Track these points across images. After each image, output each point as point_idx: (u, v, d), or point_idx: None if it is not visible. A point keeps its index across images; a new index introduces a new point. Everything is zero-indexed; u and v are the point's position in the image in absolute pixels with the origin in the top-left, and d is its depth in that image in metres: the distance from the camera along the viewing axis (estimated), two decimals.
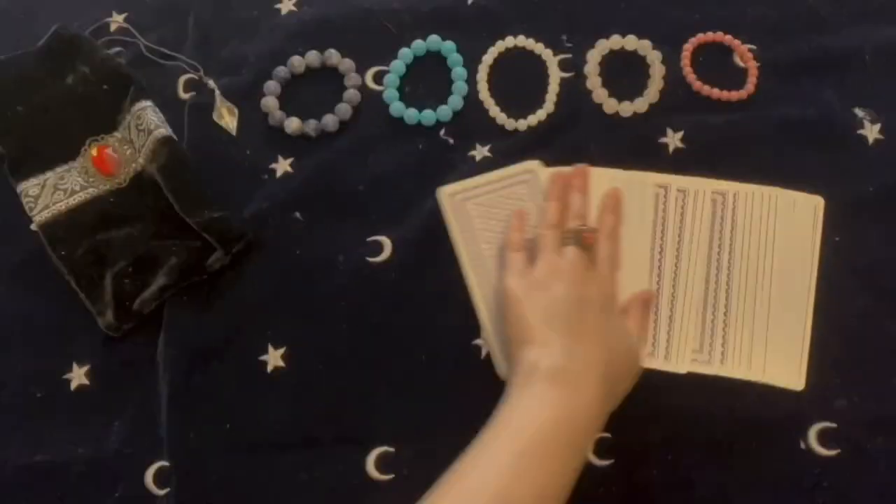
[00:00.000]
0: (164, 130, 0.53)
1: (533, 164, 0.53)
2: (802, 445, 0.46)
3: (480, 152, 0.54)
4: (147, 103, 0.54)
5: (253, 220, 0.53)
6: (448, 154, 0.55)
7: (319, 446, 0.48)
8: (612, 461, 0.47)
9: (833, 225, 0.51)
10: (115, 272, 0.50)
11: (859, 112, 0.54)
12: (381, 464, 0.47)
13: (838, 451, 0.46)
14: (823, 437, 0.46)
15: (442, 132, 0.55)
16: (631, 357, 0.46)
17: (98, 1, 0.61)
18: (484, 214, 0.52)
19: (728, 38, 0.56)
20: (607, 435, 0.47)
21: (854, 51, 0.55)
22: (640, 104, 0.55)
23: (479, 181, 0.53)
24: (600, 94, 0.55)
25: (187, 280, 0.51)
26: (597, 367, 0.43)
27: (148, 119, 0.53)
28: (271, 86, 0.57)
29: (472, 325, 0.50)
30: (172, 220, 0.51)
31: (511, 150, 0.54)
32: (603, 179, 0.52)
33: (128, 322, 0.50)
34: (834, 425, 0.47)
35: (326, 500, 0.47)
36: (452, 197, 0.52)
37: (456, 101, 0.56)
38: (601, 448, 0.47)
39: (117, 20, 0.60)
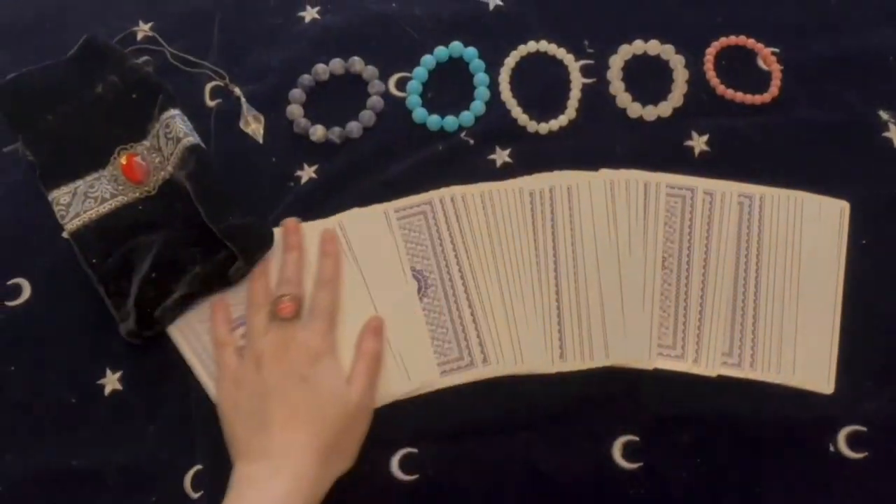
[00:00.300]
0: (193, 139, 0.54)
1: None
2: (832, 448, 0.47)
3: (501, 156, 0.55)
4: (175, 112, 0.55)
5: (277, 226, 0.53)
6: (469, 157, 0.55)
7: None
8: (640, 464, 0.47)
9: (859, 227, 0.51)
10: (140, 279, 0.50)
11: (884, 114, 0.54)
12: (405, 465, 0.48)
13: (867, 453, 0.46)
14: (853, 440, 0.47)
15: (463, 134, 0.56)
16: (348, 412, 0.45)
17: (124, 11, 0.62)
18: (205, 318, 0.51)
19: (751, 42, 0.56)
20: (636, 438, 0.47)
21: (878, 53, 0.56)
22: (664, 108, 0.55)
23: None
24: (624, 99, 0.55)
25: (209, 291, 0.51)
26: (300, 448, 0.43)
27: (177, 128, 0.54)
28: (296, 93, 0.58)
29: None
30: (199, 228, 0.51)
31: (532, 153, 0.55)
32: (319, 228, 0.52)
33: (148, 329, 0.50)
34: (863, 428, 0.47)
35: (353, 501, 0.48)
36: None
37: (478, 106, 0.56)
38: (629, 451, 0.47)
39: (143, 29, 0.61)
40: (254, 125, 0.57)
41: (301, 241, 0.51)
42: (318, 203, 0.54)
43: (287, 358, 0.46)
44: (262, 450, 0.44)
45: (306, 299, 0.49)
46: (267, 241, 0.52)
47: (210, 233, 0.51)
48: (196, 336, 0.51)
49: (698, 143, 0.54)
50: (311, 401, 0.45)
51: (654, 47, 0.57)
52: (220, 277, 0.51)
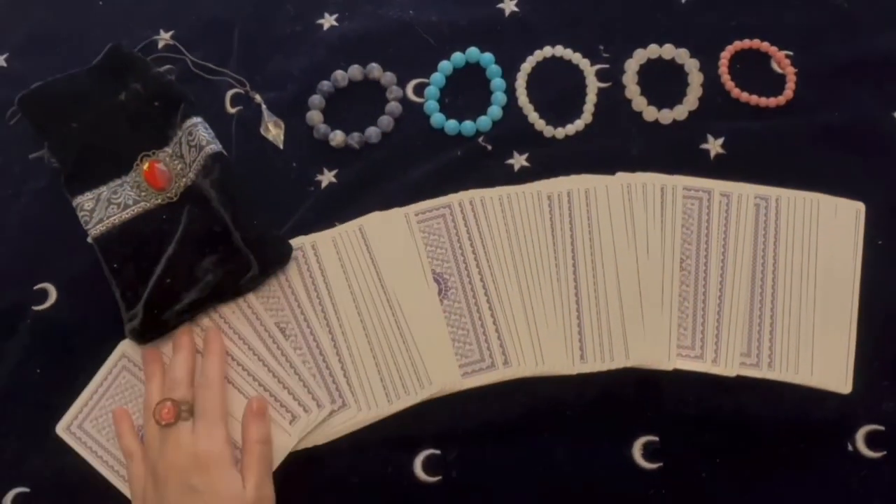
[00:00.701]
0: (216, 146, 0.55)
1: (124, 347, 0.52)
2: (850, 448, 0.47)
3: (518, 161, 0.55)
4: (197, 119, 0.56)
5: (298, 230, 0.54)
6: (486, 162, 0.56)
7: (368, 450, 0.49)
8: (660, 464, 0.47)
9: (875, 228, 0.51)
10: (153, 283, 0.51)
11: None
12: (429, 466, 0.48)
13: (885, 452, 0.47)
14: (871, 440, 0.47)
15: (480, 139, 0.56)
16: None
17: (146, 19, 0.63)
18: (105, 428, 0.50)
19: (765, 45, 0.57)
20: (655, 438, 0.48)
21: (892, 55, 0.56)
22: (680, 111, 0.56)
23: (82, 398, 0.51)
24: (639, 103, 0.56)
25: (220, 299, 0.51)
26: None
27: (199, 135, 0.55)
28: (315, 100, 0.59)
29: None
30: (215, 236, 0.52)
31: (549, 157, 0.55)
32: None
33: (153, 332, 0.50)
34: (882, 428, 0.47)
35: (376, 503, 0.48)
36: (69, 431, 0.51)
37: (495, 111, 0.57)
38: (649, 451, 0.48)
39: (165, 38, 0.62)
40: (274, 131, 0.58)
41: (192, 341, 0.50)
42: (337, 207, 0.55)
43: (177, 469, 0.45)
44: None
45: (193, 401, 0.48)
46: (285, 256, 0.52)
47: (224, 241, 0.52)
48: (96, 443, 0.50)
49: (714, 145, 0.54)
50: None
51: (668, 51, 0.57)
52: (233, 286, 0.51)
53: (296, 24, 0.62)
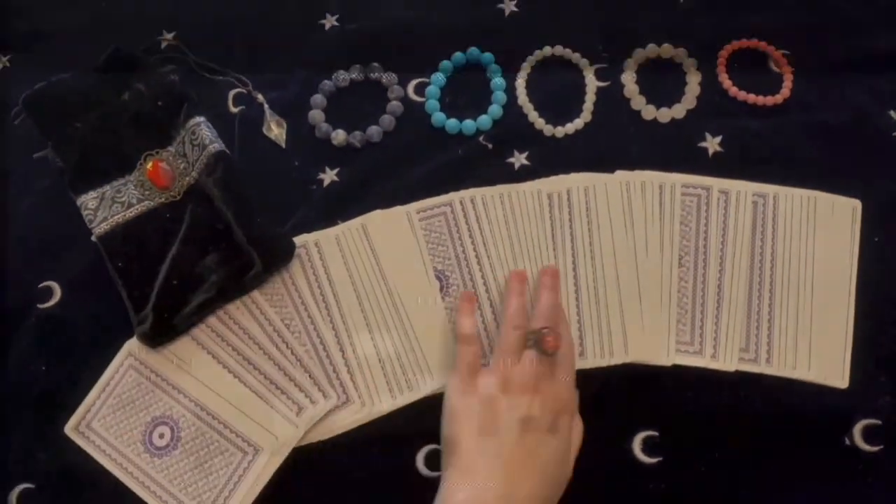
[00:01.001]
0: (219, 145, 0.55)
1: (130, 346, 0.52)
2: (847, 442, 0.48)
3: (518, 159, 0.56)
4: (200, 119, 0.56)
5: (301, 228, 0.55)
6: (487, 161, 0.56)
7: (371, 445, 0.50)
8: (659, 459, 0.48)
9: (872, 225, 0.52)
10: (160, 286, 0.51)
11: (895, 114, 0.55)
12: (431, 461, 0.49)
13: (882, 447, 0.47)
14: (868, 434, 0.48)
15: (481, 137, 0.57)
16: (565, 474, 0.45)
17: (149, 20, 0.63)
18: (113, 427, 0.51)
19: (762, 44, 0.58)
20: (655, 433, 0.48)
21: (888, 54, 0.57)
22: (678, 110, 0.56)
23: (90, 398, 0.51)
24: (638, 102, 0.57)
25: (225, 298, 0.52)
26: (521, 500, 0.41)
27: (202, 134, 0.55)
28: (317, 99, 0.59)
29: None
30: (217, 234, 0.53)
31: (549, 156, 0.56)
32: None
33: (164, 336, 0.51)
34: (878, 422, 0.48)
35: (380, 497, 0.49)
36: (77, 431, 0.51)
37: (496, 110, 0.58)
38: (649, 446, 0.48)
39: (167, 38, 0.62)
40: (276, 130, 0.59)
41: (558, 285, 0.51)
42: (339, 205, 0.56)
43: (534, 401, 0.44)
44: (483, 469, 0.42)
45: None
46: (289, 253, 0.53)
47: (227, 239, 0.52)
48: (105, 442, 0.50)
49: (712, 144, 0.55)
50: (545, 456, 0.43)
51: (667, 51, 0.58)
52: (237, 284, 0.52)
53: (298, 24, 0.62)
